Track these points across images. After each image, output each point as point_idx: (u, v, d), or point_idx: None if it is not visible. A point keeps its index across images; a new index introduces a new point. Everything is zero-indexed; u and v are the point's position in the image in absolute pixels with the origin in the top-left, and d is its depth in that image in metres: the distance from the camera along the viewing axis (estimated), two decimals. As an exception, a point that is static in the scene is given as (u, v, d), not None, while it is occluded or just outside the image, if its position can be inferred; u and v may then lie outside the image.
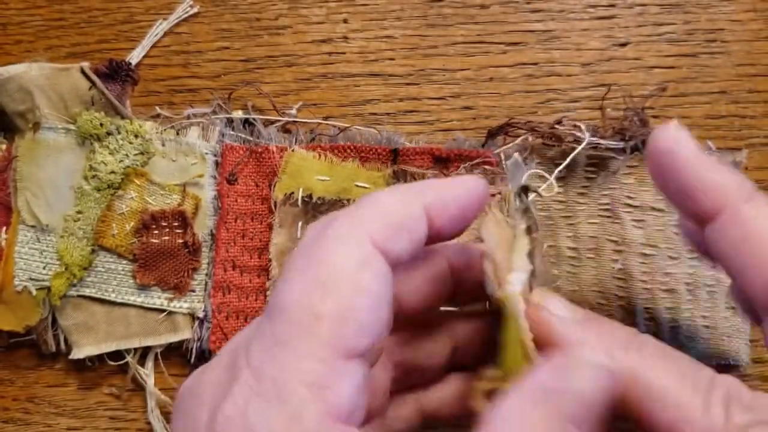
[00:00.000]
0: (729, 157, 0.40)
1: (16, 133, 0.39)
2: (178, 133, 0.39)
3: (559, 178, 0.42)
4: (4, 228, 0.39)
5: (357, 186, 0.36)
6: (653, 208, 0.42)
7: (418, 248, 0.22)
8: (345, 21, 0.40)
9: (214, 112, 0.39)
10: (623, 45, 0.41)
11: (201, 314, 0.38)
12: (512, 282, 0.25)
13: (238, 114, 0.39)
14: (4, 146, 0.39)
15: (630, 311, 0.42)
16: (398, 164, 0.37)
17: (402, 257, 0.21)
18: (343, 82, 0.40)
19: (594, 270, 0.42)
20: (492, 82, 0.42)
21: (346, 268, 0.19)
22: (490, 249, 0.24)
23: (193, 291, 0.39)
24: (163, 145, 0.39)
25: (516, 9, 0.42)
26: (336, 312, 0.19)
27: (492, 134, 0.42)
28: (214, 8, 0.41)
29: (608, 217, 0.42)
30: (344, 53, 0.41)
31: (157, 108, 0.39)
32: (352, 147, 0.38)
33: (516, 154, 0.39)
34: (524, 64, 0.43)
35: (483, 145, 0.41)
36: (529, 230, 0.26)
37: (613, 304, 0.42)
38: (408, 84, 0.41)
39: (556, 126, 0.40)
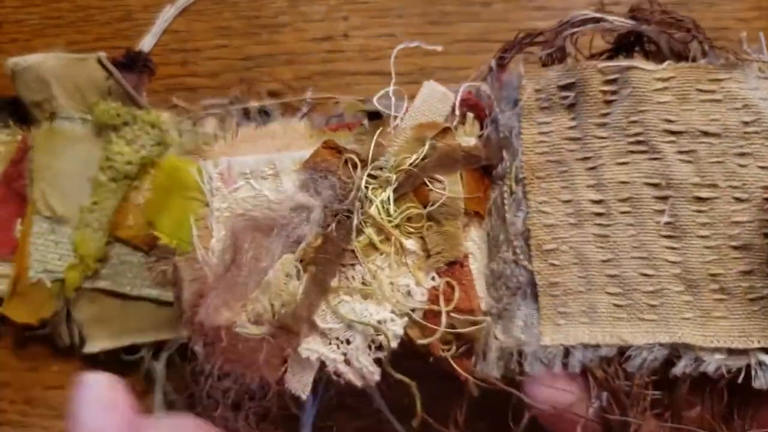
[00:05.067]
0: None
1: (32, 124, 0.42)
2: (194, 124, 0.41)
3: (569, 106, 0.34)
4: (19, 219, 0.41)
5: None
6: (705, 133, 0.34)
7: None
8: (345, 18, 0.43)
9: (231, 103, 0.41)
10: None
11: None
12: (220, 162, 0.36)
13: (254, 104, 0.41)
14: (19, 136, 0.42)
15: (690, 283, 0.33)
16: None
17: None
18: (343, 80, 0.42)
19: (632, 229, 0.35)
20: (495, 81, 0.42)
21: None
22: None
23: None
24: (180, 135, 0.41)
25: (519, 6, 0.43)
26: None
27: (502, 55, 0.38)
28: (213, 6, 0.44)
29: (643, 152, 0.35)
30: (344, 51, 0.43)
31: (174, 99, 0.42)
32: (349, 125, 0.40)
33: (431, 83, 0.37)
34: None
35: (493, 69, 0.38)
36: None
37: (665, 273, 0.34)
38: (409, 83, 0.41)
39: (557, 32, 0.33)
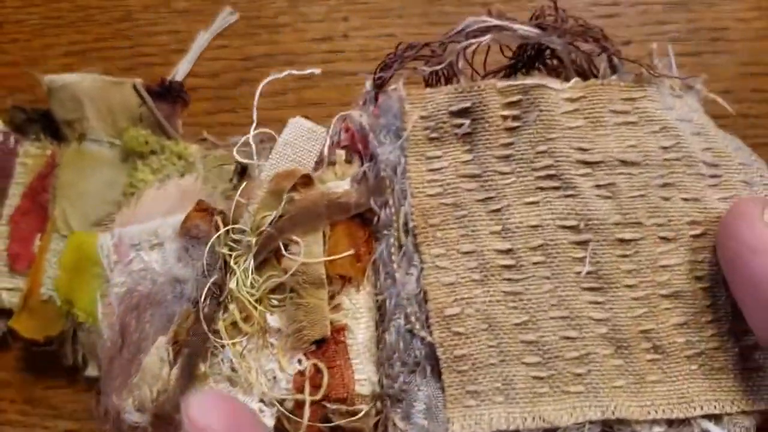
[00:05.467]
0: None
1: (62, 140, 0.43)
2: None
3: (463, 136, 0.28)
4: (39, 234, 0.42)
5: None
6: (623, 162, 0.29)
7: None
8: (345, 19, 0.43)
9: (262, 141, 0.40)
10: (626, 44, 0.41)
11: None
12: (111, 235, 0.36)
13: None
14: (49, 151, 0.42)
15: (619, 343, 0.28)
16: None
17: None
18: (343, 81, 0.42)
19: (548, 282, 0.29)
20: (495, 81, 0.45)
21: None
22: None
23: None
24: (207, 170, 0.40)
25: (518, 7, 0.42)
26: None
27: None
28: (213, 6, 0.44)
29: (555, 188, 0.29)
30: (344, 51, 0.43)
31: (204, 132, 0.42)
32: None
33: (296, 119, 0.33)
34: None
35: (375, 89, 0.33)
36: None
37: (590, 334, 0.28)
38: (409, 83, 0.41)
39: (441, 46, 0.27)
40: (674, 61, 0.31)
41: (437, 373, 0.29)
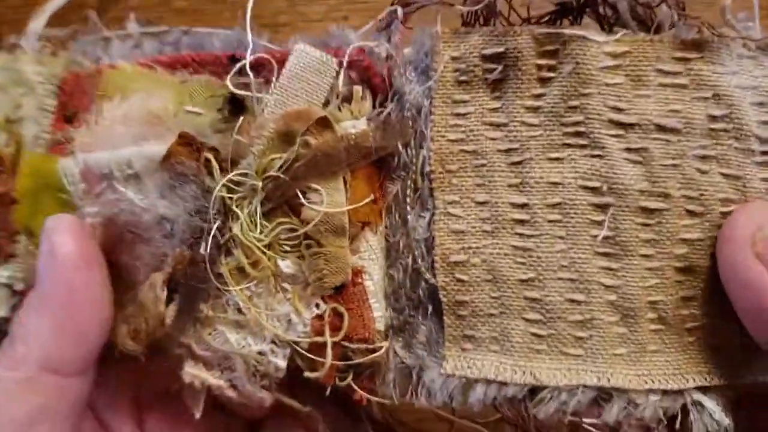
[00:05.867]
0: None
1: None
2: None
3: (494, 83, 0.27)
4: None
5: (187, 111, 0.31)
6: (661, 128, 0.27)
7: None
8: (345, 18, 0.44)
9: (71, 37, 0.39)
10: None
11: (21, 287, 0.34)
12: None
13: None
14: None
15: (626, 312, 0.27)
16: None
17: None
18: None
19: (561, 242, 0.28)
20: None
21: None
22: None
23: (14, 256, 0.34)
24: None
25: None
26: None
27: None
28: (212, 5, 0.45)
29: (582, 146, 0.28)
30: None
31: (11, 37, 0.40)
32: (193, 57, 0.32)
33: (302, 47, 0.29)
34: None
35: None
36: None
37: (597, 299, 0.28)
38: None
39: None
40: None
41: (438, 313, 0.29)
